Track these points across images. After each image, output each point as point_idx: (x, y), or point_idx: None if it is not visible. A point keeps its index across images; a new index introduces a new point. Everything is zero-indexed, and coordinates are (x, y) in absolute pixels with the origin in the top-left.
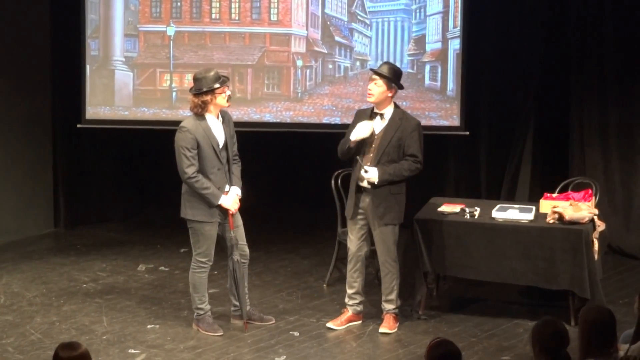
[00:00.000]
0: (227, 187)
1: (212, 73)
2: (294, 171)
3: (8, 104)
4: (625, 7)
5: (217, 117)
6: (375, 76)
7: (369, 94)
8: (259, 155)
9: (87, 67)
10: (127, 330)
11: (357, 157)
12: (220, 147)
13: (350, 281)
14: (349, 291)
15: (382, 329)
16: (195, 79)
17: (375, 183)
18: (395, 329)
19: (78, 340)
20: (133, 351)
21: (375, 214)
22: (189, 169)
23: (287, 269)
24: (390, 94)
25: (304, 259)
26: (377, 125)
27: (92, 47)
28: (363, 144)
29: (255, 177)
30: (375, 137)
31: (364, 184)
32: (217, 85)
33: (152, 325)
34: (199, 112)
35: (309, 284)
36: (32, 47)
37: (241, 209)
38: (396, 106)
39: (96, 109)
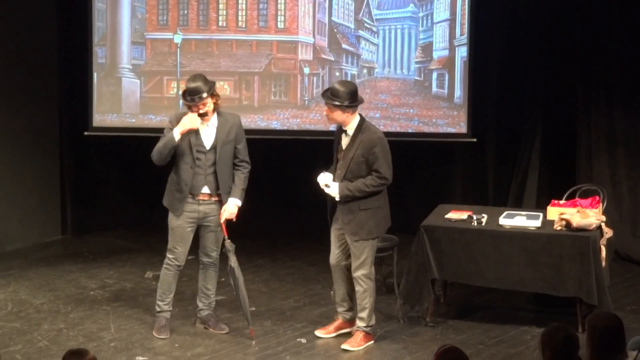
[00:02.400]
0: (205, 189)
1: (191, 85)
2: (301, 178)
3: (15, 112)
4: (632, 15)
5: (206, 121)
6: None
7: (327, 118)
8: (265, 162)
9: (95, 74)
10: (135, 337)
11: (327, 173)
12: (207, 148)
13: (335, 288)
14: (336, 299)
15: (343, 345)
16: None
17: (337, 199)
18: (362, 347)
19: (86, 348)
20: (140, 358)
21: (347, 231)
22: (153, 156)
23: (294, 276)
24: (349, 113)
25: (311, 266)
26: (343, 142)
27: (100, 55)
28: (336, 161)
29: (262, 184)
30: (342, 154)
31: (337, 198)
32: (187, 100)
33: None
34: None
35: (316, 291)
36: (39, 55)
37: (249, 215)
38: (362, 119)
39: (103, 116)
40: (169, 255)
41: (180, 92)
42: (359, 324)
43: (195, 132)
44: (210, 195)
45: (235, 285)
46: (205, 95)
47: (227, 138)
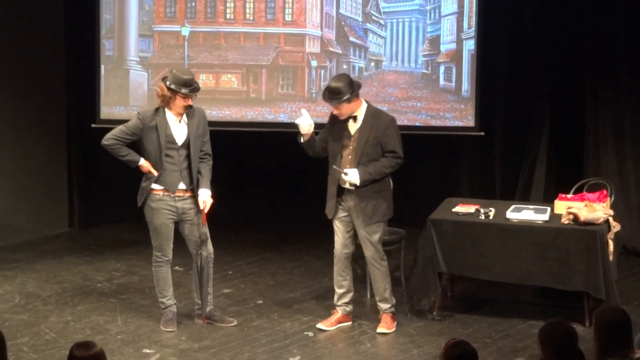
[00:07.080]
0: (181, 185)
1: (187, 76)
2: (308, 171)
3: (23, 104)
4: (638, 8)
5: (179, 117)
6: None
7: (340, 115)
8: (273, 155)
9: (102, 67)
10: (142, 330)
11: (335, 162)
12: (180, 144)
13: (339, 280)
14: (339, 291)
15: (380, 329)
16: (172, 73)
17: (357, 185)
18: (394, 329)
19: (93, 340)
20: (147, 351)
21: (363, 214)
22: (107, 140)
23: (300, 269)
24: (355, 101)
25: (318, 259)
26: (351, 127)
27: (107, 47)
28: (340, 147)
29: (269, 177)
30: (352, 138)
31: (347, 185)
32: (183, 91)
33: None
34: (161, 104)
35: (323, 284)
36: (47, 47)
37: (257, 209)
38: (368, 105)
39: (111, 108)
40: (157, 253)
41: (169, 83)
42: (384, 306)
43: (168, 131)
44: (185, 191)
45: (201, 275)
46: (198, 89)
47: (197, 132)
